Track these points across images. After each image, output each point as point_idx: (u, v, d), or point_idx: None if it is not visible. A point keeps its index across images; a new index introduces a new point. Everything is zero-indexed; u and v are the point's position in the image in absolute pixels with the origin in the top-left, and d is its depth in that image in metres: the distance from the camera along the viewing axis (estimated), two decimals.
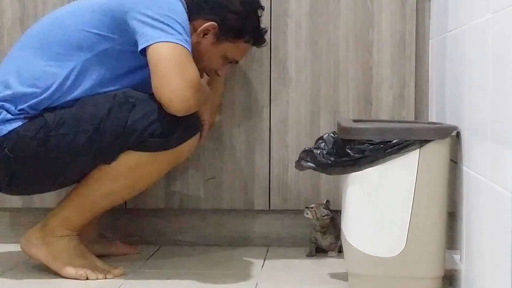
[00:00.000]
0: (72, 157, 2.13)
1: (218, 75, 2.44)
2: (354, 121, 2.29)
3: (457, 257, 2.06)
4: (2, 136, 2.11)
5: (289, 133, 2.61)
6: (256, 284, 2.16)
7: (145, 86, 2.15)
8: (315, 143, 2.13)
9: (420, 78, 2.60)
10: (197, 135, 2.20)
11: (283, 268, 2.36)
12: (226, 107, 2.59)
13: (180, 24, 2.12)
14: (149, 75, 2.10)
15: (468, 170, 1.91)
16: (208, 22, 2.30)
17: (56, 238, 2.19)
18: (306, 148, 2.14)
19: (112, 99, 2.13)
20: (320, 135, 2.15)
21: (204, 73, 2.44)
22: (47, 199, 2.60)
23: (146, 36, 2.09)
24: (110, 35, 2.16)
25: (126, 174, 2.15)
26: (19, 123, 2.12)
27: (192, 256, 2.51)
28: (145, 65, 2.13)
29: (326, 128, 2.54)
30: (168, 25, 2.09)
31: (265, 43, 2.47)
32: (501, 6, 1.54)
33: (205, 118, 2.27)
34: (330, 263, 2.40)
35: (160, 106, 2.09)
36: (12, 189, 2.24)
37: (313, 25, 2.59)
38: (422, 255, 2.00)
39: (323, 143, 2.10)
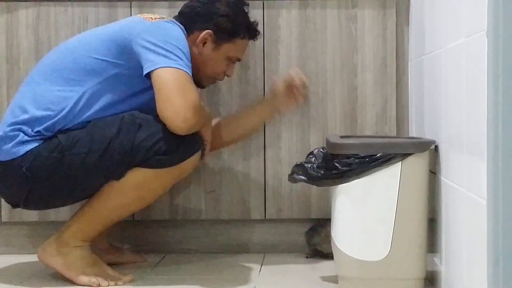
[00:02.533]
0: (84, 175, 2.12)
1: (228, 75, 2.43)
2: (341, 137, 2.30)
3: (437, 259, 2.06)
4: (20, 156, 2.11)
5: (282, 149, 2.61)
6: (254, 287, 2.17)
7: (150, 106, 2.15)
8: (306, 158, 2.13)
9: (400, 96, 2.61)
10: (199, 153, 2.19)
11: (279, 273, 2.36)
12: None
13: (181, 50, 2.12)
14: (153, 97, 2.11)
15: (446, 180, 1.92)
16: (203, 31, 2.30)
17: (70, 248, 2.19)
18: (298, 163, 2.14)
19: (120, 120, 2.13)
20: (311, 151, 2.15)
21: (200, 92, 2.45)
22: (62, 213, 2.59)
23: (150, 61, 2.10)
24: (118, 61, 2.17)
25: (134, 189, 2.14)
26: (35, 144, 2.12)
27: (195, 263, 2.51)
28: (150, 87, 2.13)
29: (315, 144, 2.54)
30: (170, 52, 2.10)
31: (260, 35, 2.45)
32: (474, 30, 1.56)
33: (206, 138, 2.27)
34: (322, 267, 2.40)
35: (164, 126, 2.09)
36: (29, 205, 2.24)
37: (303, 50, 2.60)
38: (405, 259, 2.00)
39: (314, 158, 2.10)
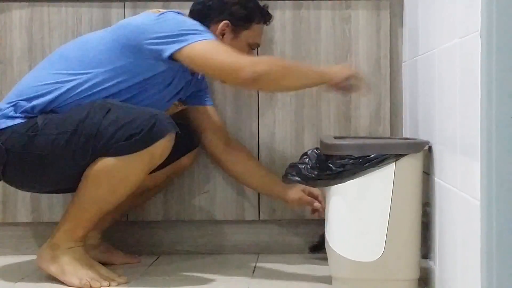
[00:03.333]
0: (53, 156, 2.13)
1: None
2: (335, 138, 2.30)
3: (431, 260, 2.06)
4: (2, 129, 2.16)
5: (276, 150, 2.61)
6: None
7: (151, 98, 2.23)
8: (300, 159, 2.13)
9: (394, 97, 2.61)
10: (169, 139, 2.12)
11: (272, 273, 2.36)
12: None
13: (192, 29, 2.17)
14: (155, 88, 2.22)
15: (440, 180, 1.92)
16: (220, 23, 2.32)
17: (62, 251, 2.19)
18: (292, 164, 2.14)
19: (91, 105, 2.14)
20: (305, 151, 2.15)
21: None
22: (55, 213, 2.59)
23: (171, 45, 2.14)
24: (126, 56, 2.20)
25: (105, 179, 2.12)
26: (19, 121, 2.16)
27: (189, 264, 2.50)
28: (151, 78, 2.21)
29: (309, 145, 2.54)
30: (188, 31, 2.16)
31: (272, 18, 2.47)
32: (467, 31, 1.56)
33: None
34: (316, 268, 2.39)
35: (133, 111, 2.11)
36: (7, 179, 2.25)
37: (297, 51, 2.60)
38: (399, 259, 2.00)
39: (307, 159, 2.11)
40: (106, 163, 2.11)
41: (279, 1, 2.58)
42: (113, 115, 2.10)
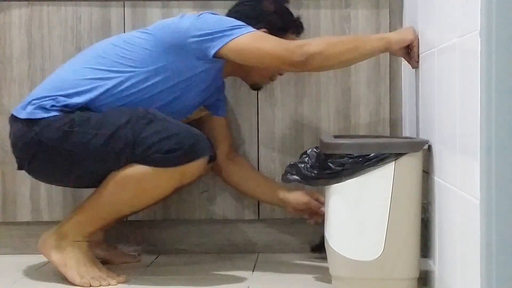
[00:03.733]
0: (85, 155, 2.13)
1: (280, 74, 2.47)
2: (335, 137, 2.30)
3: (430, 259, 2.06)
4: (36, 119, 2.15)
5: (275, 149, 2.62)
6: (248, 287, 2.16)
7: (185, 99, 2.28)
8: (300, 158, 2.13)
9: (394, 96, 2.61)
10: (203, 161, 2.16)
11: (272, 272, 2.36)
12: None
13: (234, 24, 2.20)
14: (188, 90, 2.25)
15: (439, 180, 1.92)
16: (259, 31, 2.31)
17: (68, 242, 2.19)
18: (292, 163, 2.14)
19: (133, 112, 2.15)
20: (304, 150, 2.15)
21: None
22: (55, 212, 2.59)
23: (221, 38, 2.17)
24: (168, 55, 2.21)
25: (133, 184, 2.13)
26: (54, 113, 2.15)
27: (188, 263, 2.50)
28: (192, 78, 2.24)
29: (309, 144, 2.54)
30: (231, 27, 2.18)
31: (304, 30, 2.49)
32: (467, 30, 1.56)
33: None
34: (316, 267, 2.40)
35: (174, 126, 2.12)
36: (31, 171, 2.26)
37: None
38: (399, 258, 2.00)
39: (307, 158, 2.10)
40: (137, 170, 2.11)
41: None
42: (155, 126, 2.11)
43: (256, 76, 2.43)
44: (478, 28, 1.44)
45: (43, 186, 2.59)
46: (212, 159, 2.35)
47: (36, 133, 2.14)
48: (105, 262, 2.35)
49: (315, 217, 2.44)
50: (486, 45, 1.41)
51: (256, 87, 2.50)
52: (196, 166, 2.14)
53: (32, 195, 2.60)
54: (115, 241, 2.58)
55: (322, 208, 2.35)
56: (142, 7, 2.60)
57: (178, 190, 2.39)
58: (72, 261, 2.18)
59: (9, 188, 2.61)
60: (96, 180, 2.19)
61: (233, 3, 2.48)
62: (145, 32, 2.27)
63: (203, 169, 2.23)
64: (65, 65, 2.33)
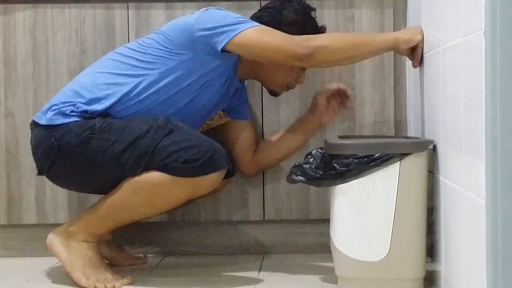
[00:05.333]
0: (105, 162, 2.14)
1: (299, 82, 2.46)
2: (340, 137, 2.30)
3: (436, 259, 2.06)
4: (56, 125, 2.16)
5: None
6: None
7: (203, 101, 2.29)
8: (305, 159, 2.13)
9: (398, 96, 2.61)
10: (220, 174, 2.16)
11: (278, 273, 2.36)
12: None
13: (239, 19, 2.20)
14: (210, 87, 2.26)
15: (445, 179, 1.92)
16: None
17: (77, 242, 2.20)
18: (296, 163, 2.14)
19: (154, 120, 2.15)
20: (309, 151, 2.15)
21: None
22: (60, 215, 2.60)
23: (226, 32, 2.17)
24: (182, 51, 2.22)
25: (148, 190, 2.13)
26: (74, 119, 2.16)
27: (194, 265, 2.51)
28: (209, 73, 2.25)
29: (314, 145, 2.54)
30: (236, 21, 2.19)
31: None
32: (471, 30, 1.56)
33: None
34: (322, 268, 2.40)
35: (194, 137, 2.12)
36: (51, 176, 2.27)
37: None
38: (404, 259, 2.00)
39: (312, 158, 2.10)
40: (153, 176, 2.11)
41: None
42: (175, 136, 2.11)
43: (272, 83, 2.43)
44: (483, 28, 1.44)
45: (48, 189, 2.60)
46: (231, 174, 2.35)
47: (56, 139, 2.15)
48: (111, 264, 2.35)
49: (348, 102, 2.48)
50: (491, 44, 1.41)
51: (273, 93, 2.49)
52: (212, 179, 2.14)
53: (37, 197, 2.61)
54: (122, 243, 2.58)
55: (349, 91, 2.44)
56: (146, 9, 2.60)
57: (188, 203, 2.40)
58: (79, 262, 2.19)
59: (14, 190, 2.62)
60: (114, 187, 2.19)
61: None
62: (157, 33, 2.28)
63: (219, 183, 2.21)
64: (87, 69, 2.34)
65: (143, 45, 2.27)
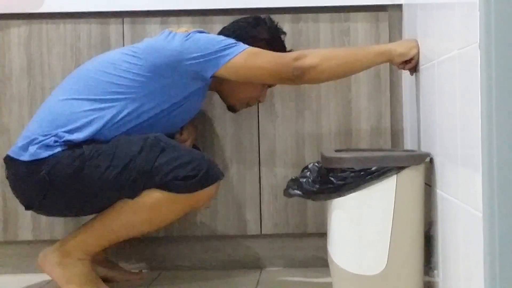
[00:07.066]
0: (101, 188, 2.13)
1: (260, 101, 2.49)
2: (336, 151, 2.30)
3: (434, 272, 2.05)
4: (43, 159, 2.12)
5: (277, 164, 2.62)
6: None
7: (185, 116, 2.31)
8: (301, 172, 2.13)
9: (395, 109, 2.62)
10: (216, 186, 2.20)
11: (276, 287, 2.36)
12: (219, 142, 2.60)
13: (227, 43, 2.20)
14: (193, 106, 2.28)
15: (442, 192, 1.92)
16: None
17: (72, 260, 2.19)
18: (293, 177, 2.14)
19: (144, 141, 2.14)
20: (306, 165, 2.15)
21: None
22: (56, 231, 2.60)
23: (216, 59, 2.18)
24: (163, 80, 2.21)
25: (147, 209, 2.14)
26: (59, 149, 2.12)
27: (191, 280, 2.50)
28: (189, 96, 2.25)
29: (310, 158, 2.55)
30: (223, 47, 2.18)
31: None
32: (467, 43, 1.56)
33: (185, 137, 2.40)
34: (318, 282, 2.39)
35: (186, 153, 2.14)
36: (42, 209, 2.24)
37: None
38: (402, 272, 2.00)
39: (308, 172, 2.11)
40: (153, 195, 2.12)
41: (277, 14, 2.59)
42: (168, 154, 2.12)
43: (234, 99, 2.44)
44: (478, 41, 1.45)
45: None
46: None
47: (46, 173, 2.11)
48: (107, 280, 2.34)
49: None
50: (486, 57, 1.42)
51: (232, 109, 2.50)
52: (210, 191, 2.18)
53: (33, 214, 2.60)
54: (117, 259, 2.58)
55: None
56: (141, 24, 2.61)
57: (185, 215, 2.40)
58: (75, 278, 2.19)
59: (10, 207, 2.62)
60: (107, 207, 2.19)
61: (232, 18, 2.49)
62: (134, 56, 2.23)
63: (214, 195, 2.26)
64: (54, 95, 2.27)
65: (119, 68, 2.22)
